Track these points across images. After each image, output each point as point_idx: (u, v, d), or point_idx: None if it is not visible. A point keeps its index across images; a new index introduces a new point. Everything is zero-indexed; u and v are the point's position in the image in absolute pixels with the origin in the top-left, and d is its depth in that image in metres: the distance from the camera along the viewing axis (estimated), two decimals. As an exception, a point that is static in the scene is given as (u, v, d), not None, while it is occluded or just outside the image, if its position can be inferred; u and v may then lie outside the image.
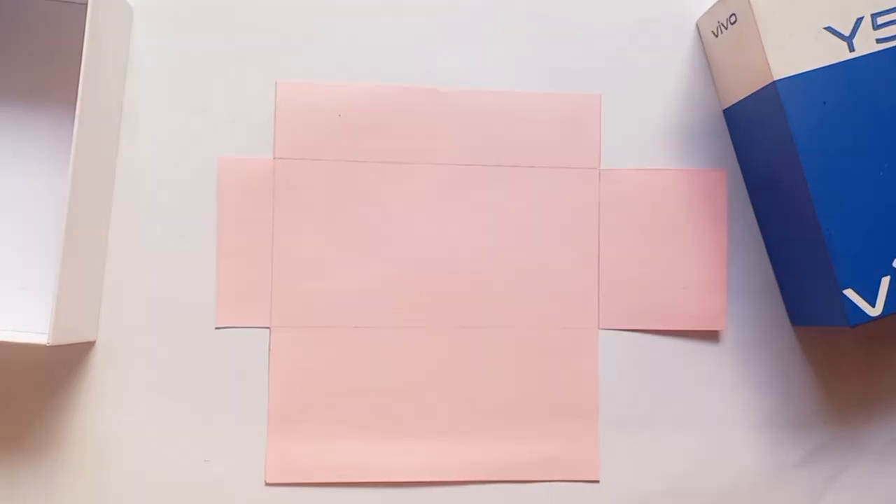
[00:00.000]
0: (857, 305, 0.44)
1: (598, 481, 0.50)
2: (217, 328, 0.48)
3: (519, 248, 0.50)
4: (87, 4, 0.41)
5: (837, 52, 0.44)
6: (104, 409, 0.47)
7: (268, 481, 0.48)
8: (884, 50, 0.44)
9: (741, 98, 0.48)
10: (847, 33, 0.44)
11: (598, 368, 0.50)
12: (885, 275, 0.44)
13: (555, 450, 0.49)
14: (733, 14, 0.46)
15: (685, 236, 0.50)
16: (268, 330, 0.48)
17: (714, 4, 0.48)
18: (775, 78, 0.44)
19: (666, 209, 0.50)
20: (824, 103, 0.44)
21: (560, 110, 0.50)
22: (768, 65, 0.44)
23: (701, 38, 0.51)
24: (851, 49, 0.44)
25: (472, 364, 0.49)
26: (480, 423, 0.49)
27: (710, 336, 0.50)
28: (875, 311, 0.44)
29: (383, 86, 0.49)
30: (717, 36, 0.48)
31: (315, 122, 0.49)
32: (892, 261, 0.44)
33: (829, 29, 0.44)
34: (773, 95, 0.44)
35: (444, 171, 0.49)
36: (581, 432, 0.49)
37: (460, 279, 0.49)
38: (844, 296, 0.44)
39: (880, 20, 0.44)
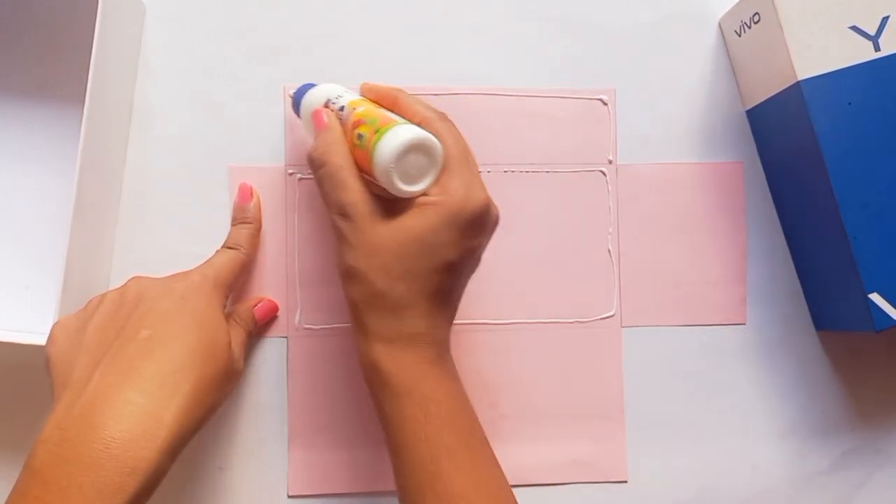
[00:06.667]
0: (882, 310, 0.44)
1: (626, 481, 0.49)
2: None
3: (537, 248, 0.49)
4: (98, -1, 0.41)
5: (863, 52, 0.44)
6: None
7: (290, 493, 0.47)
8: (910, 49, 0.44)
9: (764, 98, 0.47)
10: (872, 32, 0.44)
11: (621, 367, 0.49)
12: (913, 278, 0.44)
13: (582, 451, 0.49)
14: (756, 13, 0.45)
15: (703, 230, 0.50)
16: (285, 339, 0.47)
17: (737, 3, 0.48)
18: (799, 78, 0.43)
19: (683, 203, 0.50)
20: (849, 103, 0.44)
21: (574, 106, 0.49)
22: (792, 64, 0.43)
23: (723, 37, 0.50)
24: (877, 48, 0.44)
25: (494, 367, 0.48)
26: (505, 428, 0.48)
27: (734, 340, 0.50)
28: (902, 316, 0.44)
29: (394, 87, 0.48)
30: (739, 35, 0.48)
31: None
32: (919, 264, 0.44)
33: (854, 28, 0.44)
34: (797, 96, 0.44)
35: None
36: (608, 432, 0.49)
37: (479, 281, 0.48)
38: (870, 300, 0.44)
39: (906, 19, 0.44)
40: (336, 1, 0.48)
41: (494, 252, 0.48)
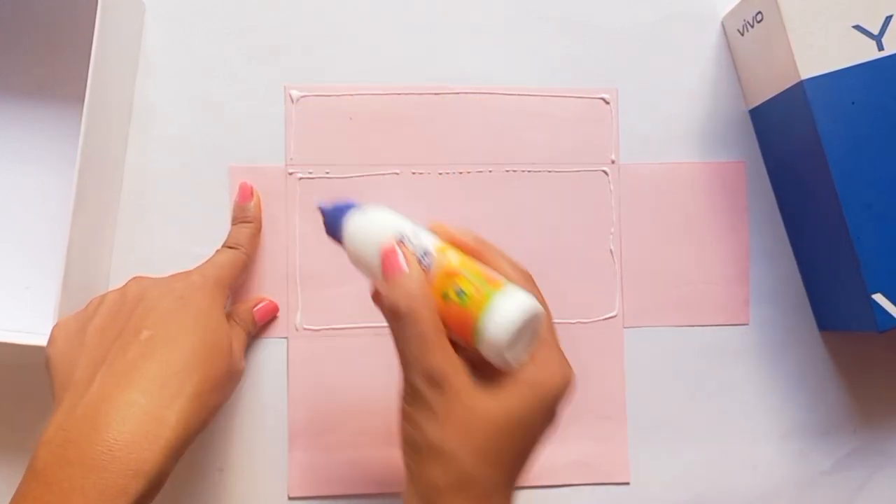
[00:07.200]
0: (886, 310, 0.43)
1: (628, 483, 0.49)
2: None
3: (539, 248, 0.49)
4: (98, -2, 0.40)
5: (866, 51, 0.43)
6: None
7: (290, 495, 0.47)
8: (914, 49, 0.44)
9: (767, 98, 0.47)
10: (876, 32, 0.43)
11: (624, 368, 0.49)
12: (916, 279, 0.43)
13: (584, 452, 0.48)
14: (759, 12, 0.45)
15: (706, 230, 0.50)
16: (285, 340, 0.47)
17: (739, 2, 0.47)
18: (803, 77, 0.43)
19: (685, 203, 0.50)
20: (853, 103, 0.43)
21: (576, 106, 0.49)
22: (795, 64, 0.43)
23: (726, 36, 0.50)
24: (880, 48, 0.43)
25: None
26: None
27: (736, 340, 0.50)
28: (905, 317, 0.43)
29: (395, 86, 0.48)
30: (742, 34, 0.48)
31: (326, 127, 0.48)
32: (923, 264, 0.43)
33: (857, 27, 0.43)
34: (800, 95, 0.43)
35: (459, 172, 0.48)
36: (610, 433, 0.49)
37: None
38: (873, 300, 0.43)
39: (910, 18, 0.44)
40: (336, 1, 0.48)
41: (495, 252, 0.48)
